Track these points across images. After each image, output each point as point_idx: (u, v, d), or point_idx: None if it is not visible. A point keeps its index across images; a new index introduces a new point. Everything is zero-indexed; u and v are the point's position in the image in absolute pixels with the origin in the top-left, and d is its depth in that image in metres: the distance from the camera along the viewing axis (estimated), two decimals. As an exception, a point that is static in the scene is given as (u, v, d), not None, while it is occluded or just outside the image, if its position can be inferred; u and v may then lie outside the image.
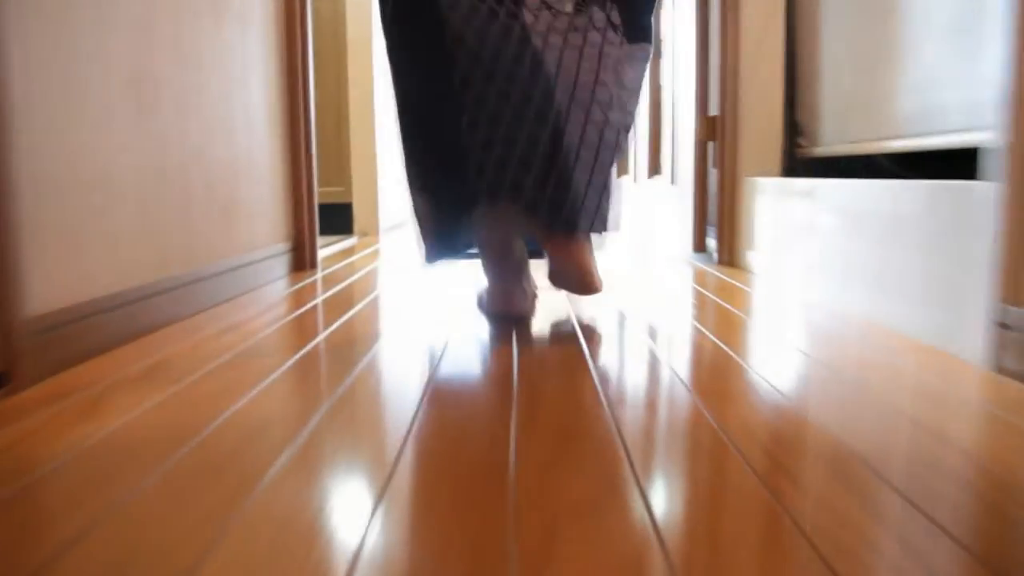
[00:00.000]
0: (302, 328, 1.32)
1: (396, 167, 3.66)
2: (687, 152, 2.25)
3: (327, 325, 1.34)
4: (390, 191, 3.59)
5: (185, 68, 1.43)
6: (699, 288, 1.77)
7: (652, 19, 1.33)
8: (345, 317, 1.41)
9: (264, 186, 1.87)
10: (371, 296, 1.68)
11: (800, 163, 1.94)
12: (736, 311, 1.49)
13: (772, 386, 0.97)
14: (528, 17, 1.21)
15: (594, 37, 1.24)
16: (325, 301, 1.61)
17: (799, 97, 1.92)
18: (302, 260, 2.09)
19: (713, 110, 2.14)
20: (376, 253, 2.64)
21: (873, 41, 1.55)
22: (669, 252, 2.43)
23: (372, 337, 1.23)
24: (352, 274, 2.05)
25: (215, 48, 1.57)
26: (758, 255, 1.91)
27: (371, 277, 2.00)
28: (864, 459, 0.70)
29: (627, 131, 1.29)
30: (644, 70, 1.32)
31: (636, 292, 1.73)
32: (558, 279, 1.33)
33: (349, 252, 2.64)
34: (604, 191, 1.25)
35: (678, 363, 1.09)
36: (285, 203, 2.02)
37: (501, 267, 1.34)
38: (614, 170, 1.29)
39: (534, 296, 1.43)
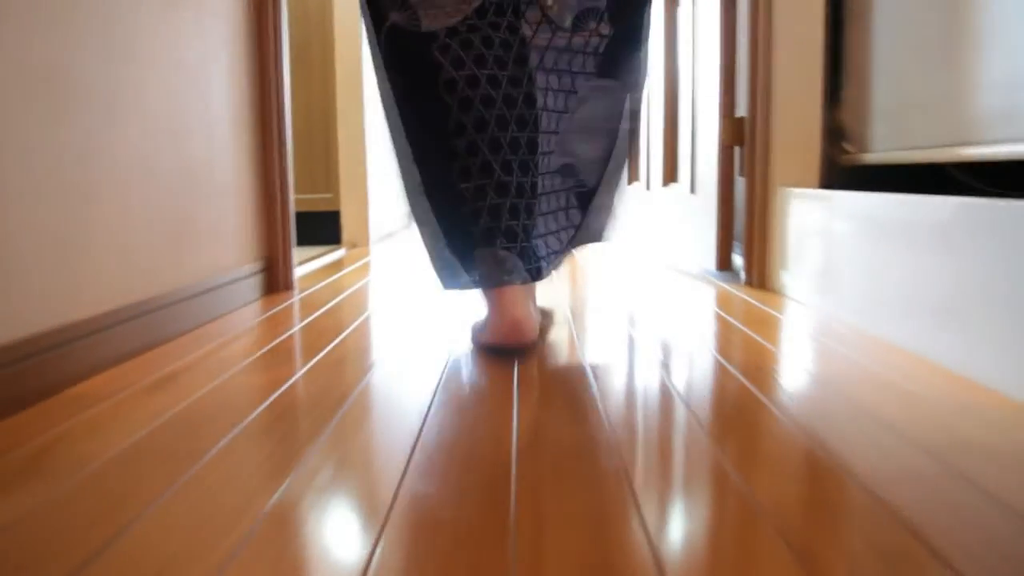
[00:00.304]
0: (263, 372, 1.08)
1: (388, 173, 3.42)
2: (710, 158, 2.00)
3: (302, 363, 1.10)
4: (382, 198, 3.35)
5: (118, 61, 1.19)
6: (723, 313, 1.53)
7: (644, 56, 1.32)
8: (319, 356, 1.16)
9: (228, 199, 1.63)
10: (357, 322, 1.43)
11: (845, 172, 1.69)
12: (766, 343, 1.25)
13: (809, 438, 0.77)
14: (527, 31, 1.20)
15: (585, 64, 1.26)
16: (302, 330, 1.37)
17: (844, 95, 1.68)
18: (276, 281, 1.85)
19: (741, 110, 1.90)
20: (366, 267, 2.40)
21: (944, 25, 1.31)
22: (688, 269, 2.19)
23: (355, 380, 0.99)
24: (336, 294, 1.81)
25: (161, 37, 1.33)
26: (794, 278, 1.67)
27: (359, 298, 1.76)
28: (927, 541, 0.54)
29: (597, 176, 1.32)
30: (623, 105, 1.31)
31: (650, 316, 1.49)
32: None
33: (335, 267, 2.40)
34: (565, 235, 1.31)
35: (698, 406, 0.91)
36: (254, 217, 1.78)
37: (504, 290, 1.18)
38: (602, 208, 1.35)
39: (539, 320, 1.28)
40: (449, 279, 1.25)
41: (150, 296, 1.27)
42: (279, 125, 1.81)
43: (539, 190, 1.22)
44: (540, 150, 1.21)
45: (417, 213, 1.26)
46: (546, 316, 1.42)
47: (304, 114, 3.06)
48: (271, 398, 0.98)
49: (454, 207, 1.18)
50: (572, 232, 1.32)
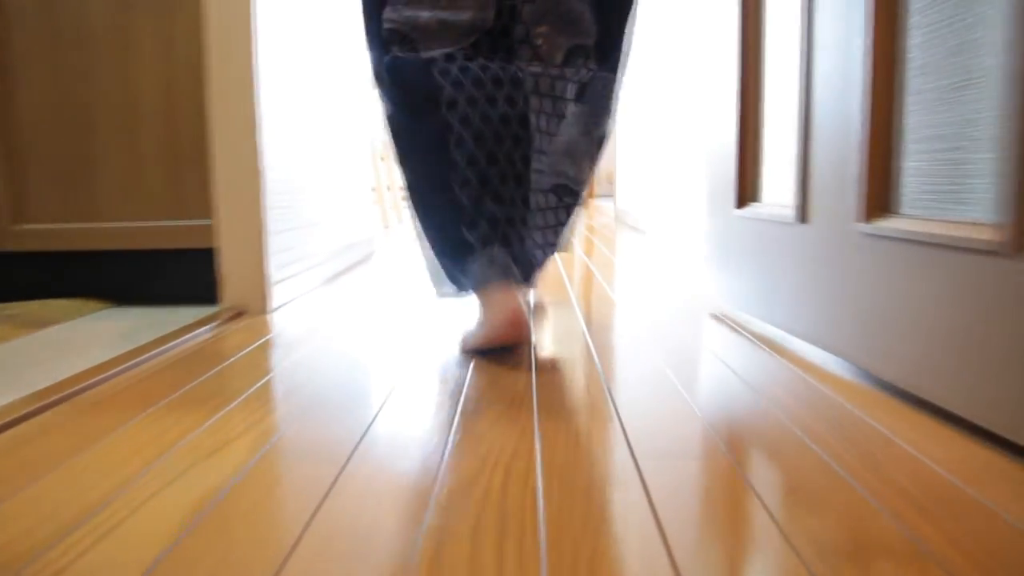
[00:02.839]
0: None
1: (324, 181, 2.10)
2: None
3: None
4: (300, 225, 2.07)
5: None
6: None
7: (617, 87, 1.40)
8: None
9: None
10: None
11: None
12: None
13: None
14: (521, 63, 1.31)
15: (564, 95, 1.33)
16: None
17: None
18: None
19: None
20: (251, 377, 1.10)
21: None
22: (957, 414, 0.90)
23: None
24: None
25: None
26: None
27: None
28: None
29: (575, 194, 1.37)
30: (599, 129, 1.39)
31: None
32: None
33: (173, 379, 1.09)
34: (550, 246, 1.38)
35: None
36: None
37: (499, 287, 1.24)
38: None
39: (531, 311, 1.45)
40: (442, 285, 1.41)
41: None
42: None
43: (531, 205, 1.31)
44: (532, 167, 1.30)
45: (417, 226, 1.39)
46: (540, 310, 1.56)
47: (160, 91, 1.80)
48: None
49: (450, 218, 1.27)
50: (555, 247, 1.39)
